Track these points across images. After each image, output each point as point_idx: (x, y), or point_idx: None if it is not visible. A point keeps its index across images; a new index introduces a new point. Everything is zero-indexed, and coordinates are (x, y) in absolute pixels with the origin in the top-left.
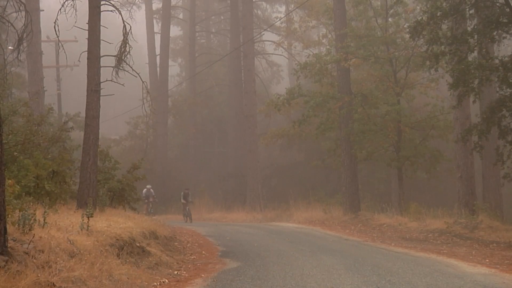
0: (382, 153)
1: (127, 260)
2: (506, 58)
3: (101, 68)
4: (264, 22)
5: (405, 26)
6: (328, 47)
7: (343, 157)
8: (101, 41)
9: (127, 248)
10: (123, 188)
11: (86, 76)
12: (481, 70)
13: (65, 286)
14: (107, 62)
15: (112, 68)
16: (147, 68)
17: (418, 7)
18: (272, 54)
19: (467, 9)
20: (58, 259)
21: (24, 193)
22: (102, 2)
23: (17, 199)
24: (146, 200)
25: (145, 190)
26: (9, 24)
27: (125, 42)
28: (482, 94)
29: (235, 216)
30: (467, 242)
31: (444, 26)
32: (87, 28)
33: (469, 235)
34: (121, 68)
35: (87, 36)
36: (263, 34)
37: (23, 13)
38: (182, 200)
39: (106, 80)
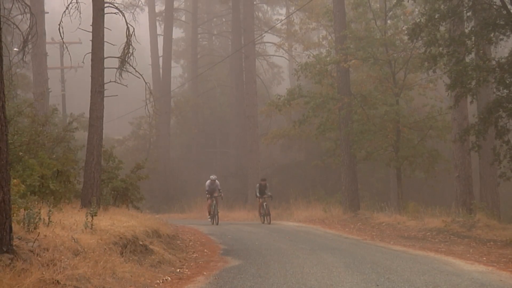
0: (381, 153)
1: (130, 258)
2: (503, 60)
3: (105, 70)
4: (265, 24)
5: (403, 28)
6: (328, 48)
7: (342, 157)
8: (105, 43)
9: (130, 247)
10: (126, 187)
11: (90, 77)
12: (478, 71)
13: (70, 283)
14: (110, 63)
15: (115, 70)
16: (150, 69)
17: (416, 10)
18: (273, 55)
19: (465, 11)
20: (62, 257)
21: (29, 192)
22: (106, 5)
23: (22, 198)
24: (208, 195)
25: (208, 182)
26: (15, 26)
27: (128, 44)
28: (479, 95)
29: (236, 214)
30: (464, 240)
31: (442, 28)
32: (91, 30)
33: (466, 234)
34: (124, 69)
35: (91, 38)
36: (264, 36)
37: (28, 15)
38: (258, 195)
39: (110, 81)
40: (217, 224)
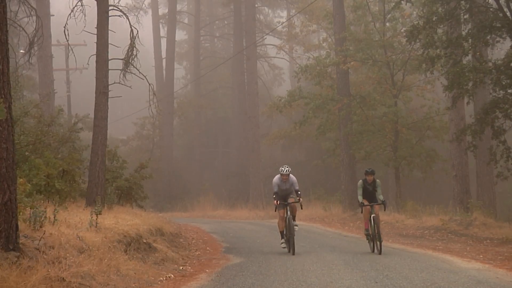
0: (380, 153)
1: (134, 256)
2: (499, 61)
3: (109, 71)
4: (266, 27)
5: (402, 30)
6: (328, 50)
7: (342, 157)
8: (109, 45)
9: (134, 244)
10: (130, 186)
11: (94, 78)
12: (475, 72)
13: (75, 281)
14: (115, 65)
15: (120, 71)
16: (154, 71)
17: (414, 12)
18: (274, 57)
19: (462, 14)
20: (67, 255)
21: (35, 191)
22: (110, 8)
23: (28, 197)
24: (278, 200)
25: (277, 178)
26: (21, 29)
27: (132, 46)
28: (476, 96)
29: (238, 213)
30: (461, 238)
31: (439, 31)
32: (95, 33)
33: (463, 232)
34: (128, 71)
35: (95, 40)
36: (265, 38)
37: (34, 18)
38: (361, 200)
39: (114, 83)
40: (294, 253)
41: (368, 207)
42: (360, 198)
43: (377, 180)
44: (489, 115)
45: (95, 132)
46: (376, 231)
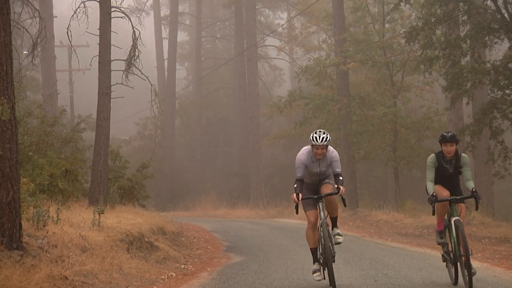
0: (379, 153)
1: (136, 255)
2: (497, 62)
3: (112, 72)
4: (266, 28)
5: (401, 31)
6: (327, 51)
7: (342, 157)
8: (112, 46)
9: (136, 243)
10: (132, 186)
11: (97, 79)
12: (473, 73)
13: (77, 279)
14: (117, 66)
15: (122, 72)
16: (156, 71)
17: (413, 14)
18: (274, 58)
19: (460, 15)
20: (70, 253)
21: (38, 191)
22: (112, 9)
23: (31, 196)
24: (300, 194)
25: (304, 153)
26: (24, 30)
27: (134, 47)
28: (474, 97)
29: (239, 212)
30: None
31: (438, 32)
32: (98, 34)
33: None
34: (130, 71)
35: (98, 41)
36: (266, 39)
37: (37, 19)
38: (432, 189)
39: (117, 83)
40: (334, 286)
41: (446, 203)
42: (430, 186)
43: (464, 155)
44: (487, 115)
45: (98, 132)
46: (462, 248)
